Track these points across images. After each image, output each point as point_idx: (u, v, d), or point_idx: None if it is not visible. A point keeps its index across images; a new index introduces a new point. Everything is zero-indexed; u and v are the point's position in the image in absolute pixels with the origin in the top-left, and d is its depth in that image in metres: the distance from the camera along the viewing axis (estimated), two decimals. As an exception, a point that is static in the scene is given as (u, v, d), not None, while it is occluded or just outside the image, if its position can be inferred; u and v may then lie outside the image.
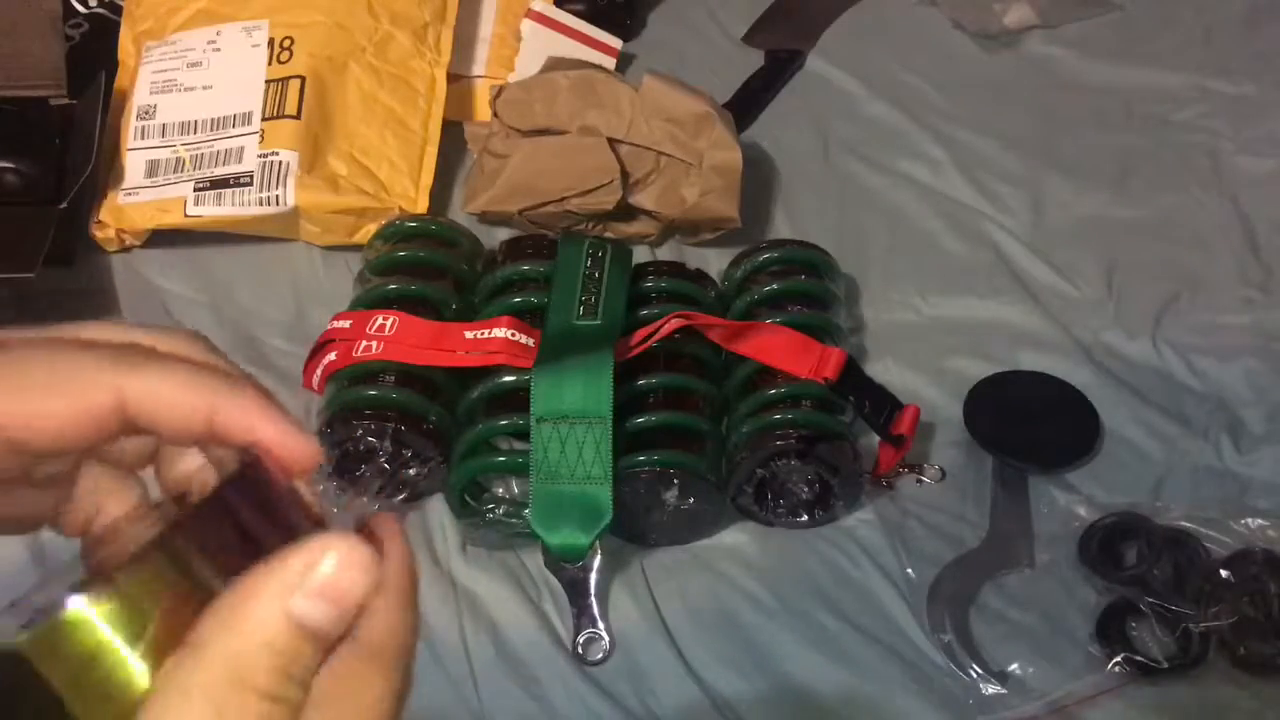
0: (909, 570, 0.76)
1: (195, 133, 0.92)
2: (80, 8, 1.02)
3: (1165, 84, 1.07)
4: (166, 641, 0.26)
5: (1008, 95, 1.07)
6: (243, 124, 0.91)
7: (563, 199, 0.90)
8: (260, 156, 0.90)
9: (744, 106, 1.05)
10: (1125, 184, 0.99)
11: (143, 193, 0.91)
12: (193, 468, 0.32)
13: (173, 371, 0.29)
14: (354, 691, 0.28)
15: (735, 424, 0.78)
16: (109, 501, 0.33)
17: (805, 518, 0.78)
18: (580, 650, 0.73)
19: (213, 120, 0.92)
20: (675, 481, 0.74)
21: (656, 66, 0.97)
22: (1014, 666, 0.71)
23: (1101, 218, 0.97)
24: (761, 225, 0.96)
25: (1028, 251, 0.94)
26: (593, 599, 0.73)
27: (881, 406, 0.78)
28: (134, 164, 0.92)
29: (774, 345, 0.78)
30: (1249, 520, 0.74)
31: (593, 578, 0.73)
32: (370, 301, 0.80)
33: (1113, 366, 0.87)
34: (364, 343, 0.77)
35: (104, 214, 0.91)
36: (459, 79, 1.02)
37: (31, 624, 0.25)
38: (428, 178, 0.94)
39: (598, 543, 0.73)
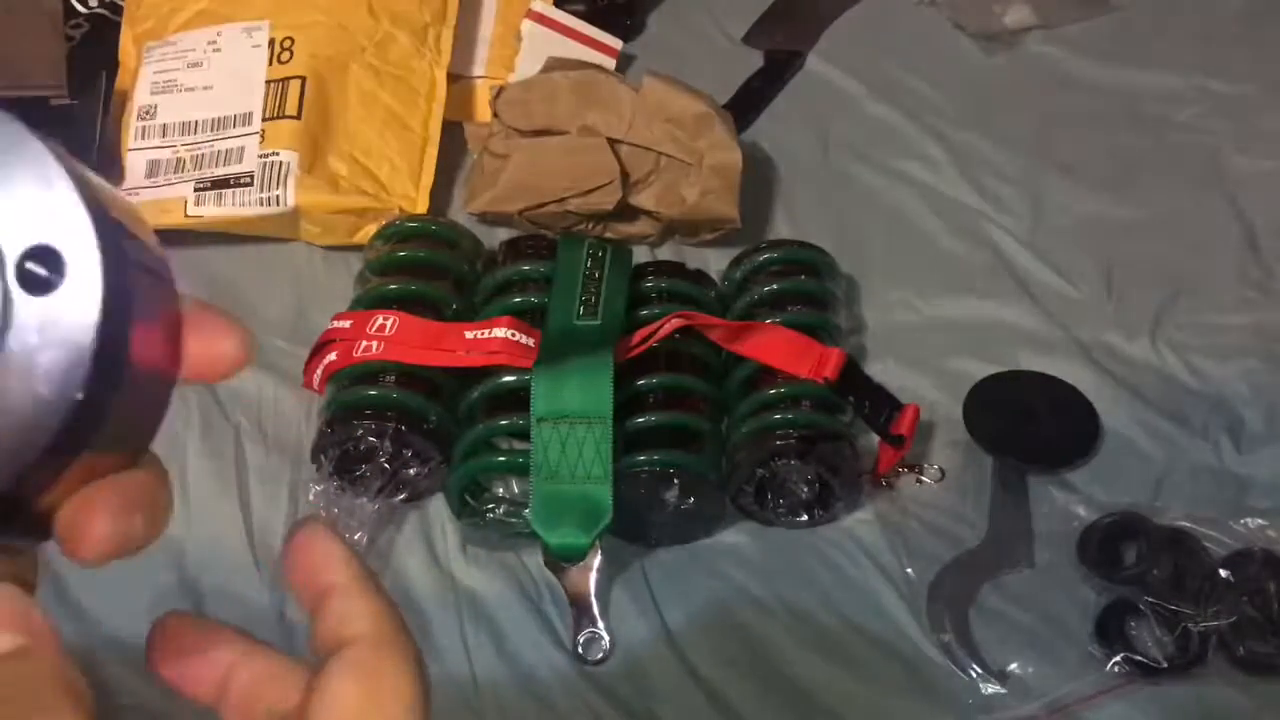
0: (909, 570, 0.76)
1: (196, 133, 0.92)
2: (80, 8, 1.02)
3: (1165, 84, 1.06)
4: None
5: (1008, 95, 1.07)
6: (243, 124, 0.91)
7: (563, 199, 0.90)
8: (261, 157, 0.90)
9: (744, 106, 1.05)
10: (1125, 184, 0.99)
11: (143, 193, 0.91)
12: None
13: None
14: (379, 683, 0.28)
15: (735, 424, 0.78)
16: None
17: (805, 518, 0.78)
18: (580, 650, 0.73)
19: (213, 120, 0.92)
20: (675, 481, 0.75)
21: (656, 66, 0.97)
22: (1014, 666, 0.72)
23: (1101, 218, 0.97)
24: (761, 225, 0.96)
25: (1027, 252, 0.94)
26: (593, 599, 0.73)
27: (881, 406, 0.78)
28: (134, 164, 0.92)
29: (774, 345, 0.78)
30: (1248, 520, 0.74)
31: (593, 578, 0.73)
32: (371, 301, 0.80)
33: (1113, 366, 0.87)
34: (364, 343, 0.77)
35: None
36: (459, 79, 1.02)
37: None
38: (428, 178, 0.94)
39: (598, 543, 0.73)
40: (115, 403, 0.25)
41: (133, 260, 0.25)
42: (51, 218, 0.24)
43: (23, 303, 0.24)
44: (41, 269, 0.24)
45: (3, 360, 0.24)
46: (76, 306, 0.24)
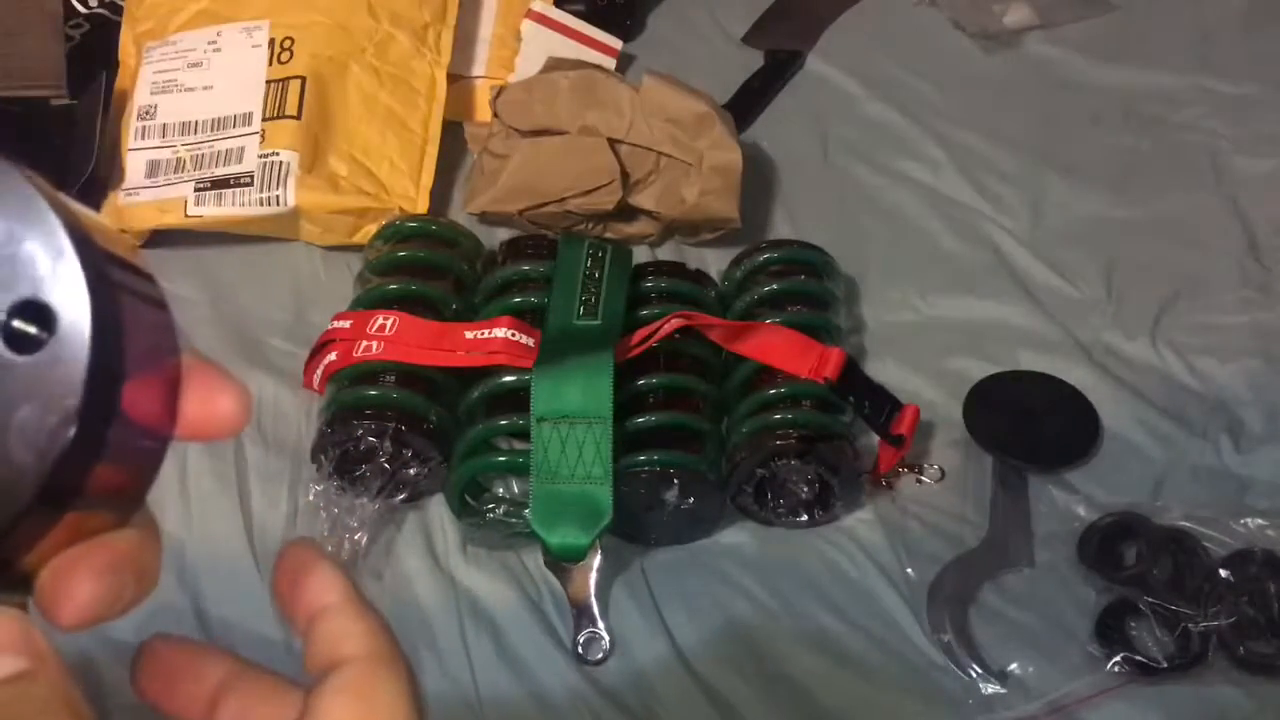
0: (909, 570, 0.76)
1: (196, 133, 0.92)
2: (80, 8, 1.02)
3: (1165, 84, 1.07)
4: None
5: (1008, 95, 1.07)
6: (243, 124, 0.91)
7: (563, 199, 0.90)
8: (261, 157, 0.90)
9: (744, 106, 1.05)
10: (1125, 184, 0.99)
11: (143, 193, 0.91)
12: None
13: None
14: (373, 703, 0.28)
15: (735, 424, 0.78)
16: None
17: (805, 518, 0.78)
18: (580, 650, 0.73)
19: (213, 120, 0.92)
20: (675, 481, 0.74)
21: (656, 66, 0.97)
22: (1014, 666, 0.71)
23: (1101, 218, 0.97)
24: (761, 225, 0.96)
25: (1027, 252, 0.94)
26: (593, 599, 0.73)
27: (881, 406, 0.78)
28: (134, 164, 0.92)
29: (774, 345, 0.78)
30: (1248, 520, 0.74)
31: (593, 578, 0.73)
32: (371, 301, 0.80)
33: (1112, 366, 0.87)
34: (364, 343, 0.77)
35: (104, 214, 0.91)
36: (459, 79, 1.02)
37: None
38: (428, 178, 0.94)
39: (598, 543, 0.73)
40: (103, 464, 0.24)
41: (127, 307, 0.24)
42: (42, 269, 0.23)
43: (8, 364, 0.23)
44: (30, 326, 0.23)
45: None
46: (64, 365, 0.23)
